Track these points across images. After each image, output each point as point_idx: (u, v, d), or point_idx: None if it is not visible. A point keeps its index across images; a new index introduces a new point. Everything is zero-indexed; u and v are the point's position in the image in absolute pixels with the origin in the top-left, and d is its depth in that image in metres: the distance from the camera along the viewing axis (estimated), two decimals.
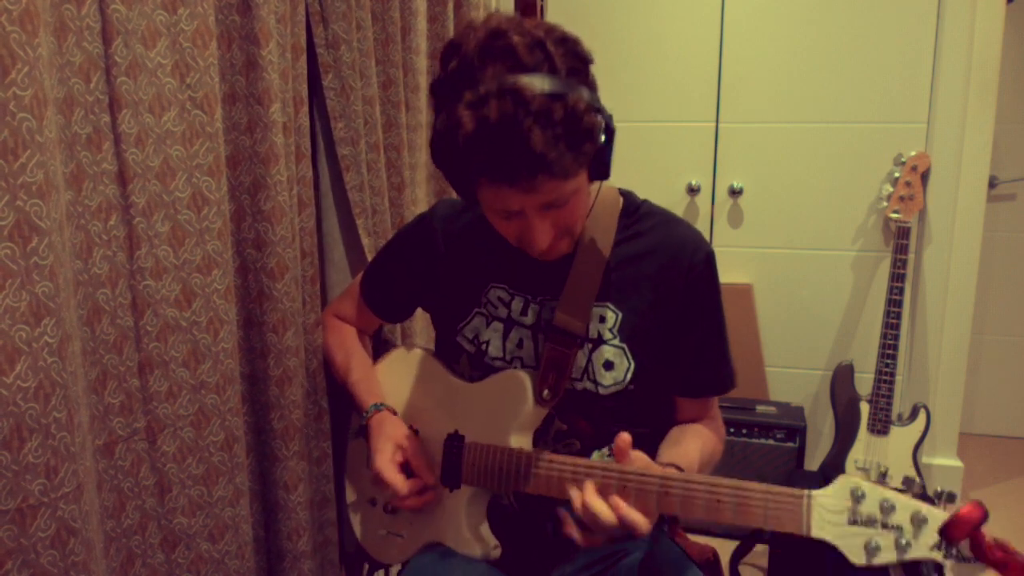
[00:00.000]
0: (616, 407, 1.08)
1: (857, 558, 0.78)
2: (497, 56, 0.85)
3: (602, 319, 1.07)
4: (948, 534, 0.74)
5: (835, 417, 2.28)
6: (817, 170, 2.40)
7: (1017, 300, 3.01)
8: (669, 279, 1.06)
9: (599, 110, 0.89)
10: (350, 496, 1.26)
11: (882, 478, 0.81)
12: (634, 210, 1.11)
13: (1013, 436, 3.11)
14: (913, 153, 2.23)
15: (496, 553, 1.09)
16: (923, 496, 0.79)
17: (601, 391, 1.07)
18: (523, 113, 0.81)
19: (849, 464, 2.20)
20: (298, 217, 1.28)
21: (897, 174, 2.24)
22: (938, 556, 0.76)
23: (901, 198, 2.22)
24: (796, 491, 0.83)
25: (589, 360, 1.06)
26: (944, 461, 2.53)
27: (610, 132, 0.91)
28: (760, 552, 2.08)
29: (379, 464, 1.08)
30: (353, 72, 1.38)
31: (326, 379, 1.34)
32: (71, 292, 0.89)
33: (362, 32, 1.42)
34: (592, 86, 0.92)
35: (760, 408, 2.28)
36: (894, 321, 2.17)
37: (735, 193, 2.46)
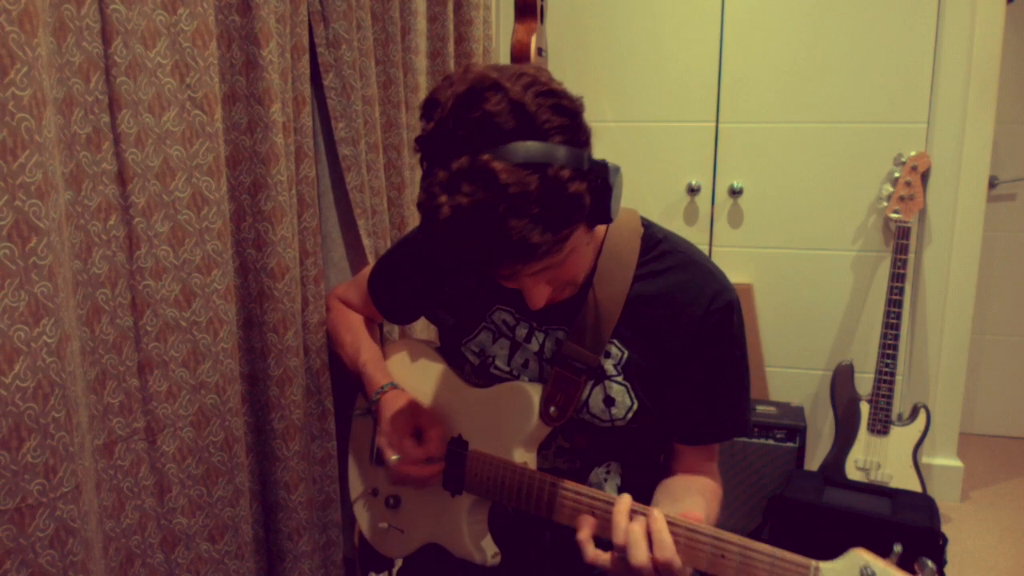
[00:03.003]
0: (618, 434, 1.07)
1: None
2: (472, 125, 0.80)
3: (607, 354, 1.03)
4: None
5: (835, 417, 2.28)
6: (817, 170, 2.40)
7: (1017, 300, 3.01)
8: (682, 326, 1.02)
9: (588, 171, 0.83)
10: (353, 485, 1.26)
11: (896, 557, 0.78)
12: (654, 245, 1.05)
13: (1013, 436, 3.11)
14: (913, 153, 2.23)
15: (495, 561, 1.08)
16: None
17: (600, 424, 1.05)
18: (496, 199, 0.77)
19: (849, 464, 2.20)
20: (301, 217, 1.28)
21: (897, 174, 2.24)
22: None
23: (901, 198, 2.22)
24: (803, 560, 0.82)
25: (590, 395, 1.04)
26: (944, 461, 2.53)
27: (606, 184, 0.85)
28: None
29: (389, 427, 1.08)
30: (354, 72, 1.38)
31: (331, 379, 1.34)
32: (70, 292, 0.89)
33: (362, 32, 1.42)
34: (582, 140, 0.85)
35: (760, 408, 2.28)
36: (894, 321, 2.17)
37: (735, 193, 2.46)
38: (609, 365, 1.04)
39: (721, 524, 0.88)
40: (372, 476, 1.23)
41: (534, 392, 1.04)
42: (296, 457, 1.26)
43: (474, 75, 0.82)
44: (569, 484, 0.98)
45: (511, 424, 1.05)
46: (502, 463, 1.04)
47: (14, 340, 0.79)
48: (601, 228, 1.03)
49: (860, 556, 0.78)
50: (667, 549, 0.84)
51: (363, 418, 1.27)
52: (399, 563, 1.27)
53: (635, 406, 1.03)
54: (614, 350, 1.04)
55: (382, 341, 1.42)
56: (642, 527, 0.86)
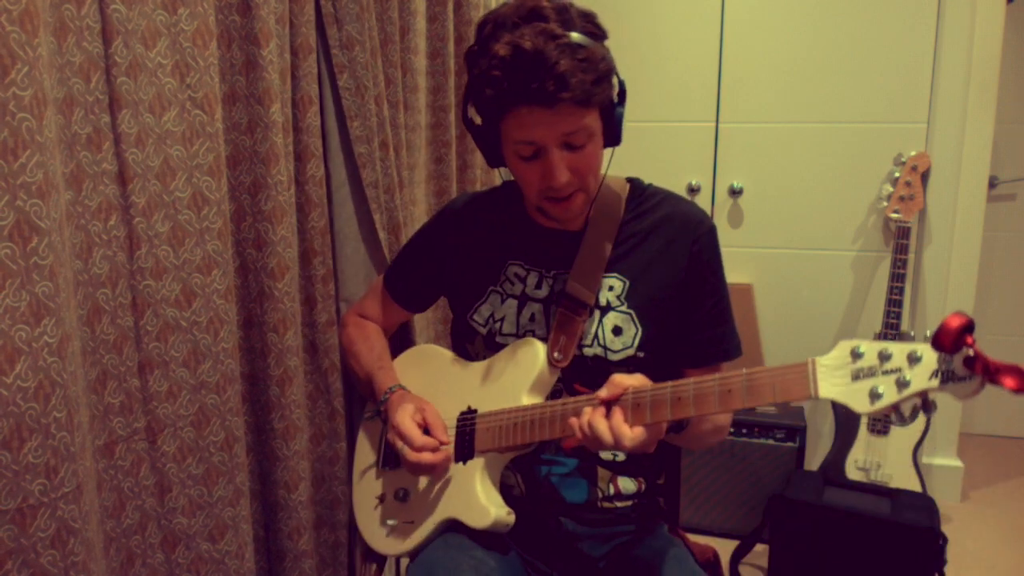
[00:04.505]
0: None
1: (863, 407, 0.79)
2: (529, 17, 0.98)
3: (611, 288, 1.13)
4: (939, 344, 0.74)
5: (835, 417, 2.28)
6: (817, 170, 2.40)
7: (1017, 300, 3.01)
8: (675, 250, 1.13)
9: (613, 68, 1.01)
10: (358, 497, 1.26)
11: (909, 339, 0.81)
12: (640, 192, 1.18)
13: (1013, 436, 3.11)
14: (913, 153, 2.23)
15: (510, 519, 1.08)
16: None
17: (610, 356, 1.11)
18: (553, 46, 0.94)
19: (849, 464, 2.20)
20: (309, 216, 1.28)
21: (897, 174, 2.24)
22: (935, 384, 0.77)
23: (901, 198, 2.22)
24: (799, 362, 0.85)
25: (599, 326, 1.11)
26: (944, 461, 2.53)
27: (622, 95, 1.04)
28: (760, 552, 2.08)
29: (399, 418, 1.11)
30: (367, 72, 1.39)
31: (341, 380, 1.34)
32: (71, 292, 0.89)
33: (370, 33, 1.42)
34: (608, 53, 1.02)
35: (760, 408, 2.28)
36: (894, 321, 2.17)
37: (735, 193, 2.46)
38: (612, 297, 1.13)
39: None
40: (379, 482, 1.23)
41: (538, 342, 1.10)
42: (296, 457, 1.26)
43: None
44: (576, 398, 1.02)
45: (519, 377, 1.10)
46: (511, 410, 1.08)
47: (15, 340, 0.80)
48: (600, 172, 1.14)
49: (849, 342, 0.82)
50: (625, 438, 0.92)
51: (372, 421, 1.28)
52: (405, 561, 1.27)
53: (639, 333, 1.11)
54: (616, 282, 1.13)
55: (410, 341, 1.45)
56: (603, 424, 0.93)
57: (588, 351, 1.11)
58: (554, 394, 1.12)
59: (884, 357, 0.79)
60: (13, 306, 0.79)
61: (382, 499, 1.22)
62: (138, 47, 0.98)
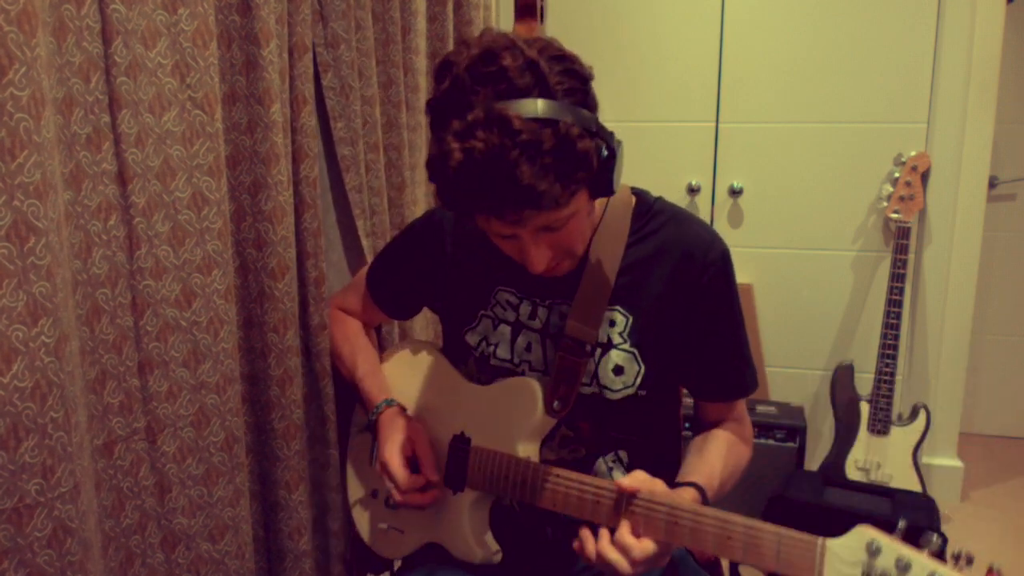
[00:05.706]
0: (623, 413, 1.07)
1: None
2: (488, 80, 0.82)
3: (612, 323, 1.05)
4: None
5: (835, 417, 2.28)
6: (817, 170, 2.40)
7: (1017, 300, 3.01)
8: (682, 280, 1.04)
9: (595, 132, 0.86)
10: (352, 488, 1.26)
11: (899, 536, 0.79)
12: (646, 210, 1.08)
13: (1013, 436, 3.11)
14: (913, 153, 2.23)
15: (497, 559, 1.08)
16: (940, 555, 0.77)
17: (609, 396, 1.05)
18: (510, 144, 0.79)
19: (849, 464, 2.20)
20: (302, 218, 1.28)
21: (897, 174, 2.24)
22: None
23: (901, 198, 2.22)
24: (809, 537, 0.82)
25: (598, 365, 1.05)
26: (944, 461, 2.53)
27: (611, 152, 0.88)
28: None
29: (387, 454, 1.08)
30: (352, 72, 1.38)
31: (332, 383, 1.33)
32: (69, 292, 0.89)
33: (362, 32, 1.42)
34: (591, 105, 0.88)
35: (760, 408, 2.28)
36: (894, 321, 2.17)
37: (735, 193, 2.46)
38: (615, 333, 1.05)
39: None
40: (371, 479, 1.23)
41: (537, 386, 1.04)
42: (296, 457, 1.26)
43: (488, 38, 0.85)
44: (572, 474, 0.98)
45: (514, 419, 1.05)
46: (505, 457, 1.04)
47: (12, 340, 0.79)
48: (600, 202, 1.05)
49: (866, 532, 0.79)
50: (643, 555, 0.88)
51: (362, 434, 1.27)
52: (398, 563, 1.27)
53: (642, 371, 1.05)
54: (618, 317, 1.05)
55: (380, 344, 1.42)
56: (612, 550, 0.89)
57: (585, 390, 1.05)
58: (552, 429, 1.08)
59: (902, 567, 0.76)
60: (10, 306, 0.79)
61: (374, 495, 1.22)
62: (138, 47, 0.98)
